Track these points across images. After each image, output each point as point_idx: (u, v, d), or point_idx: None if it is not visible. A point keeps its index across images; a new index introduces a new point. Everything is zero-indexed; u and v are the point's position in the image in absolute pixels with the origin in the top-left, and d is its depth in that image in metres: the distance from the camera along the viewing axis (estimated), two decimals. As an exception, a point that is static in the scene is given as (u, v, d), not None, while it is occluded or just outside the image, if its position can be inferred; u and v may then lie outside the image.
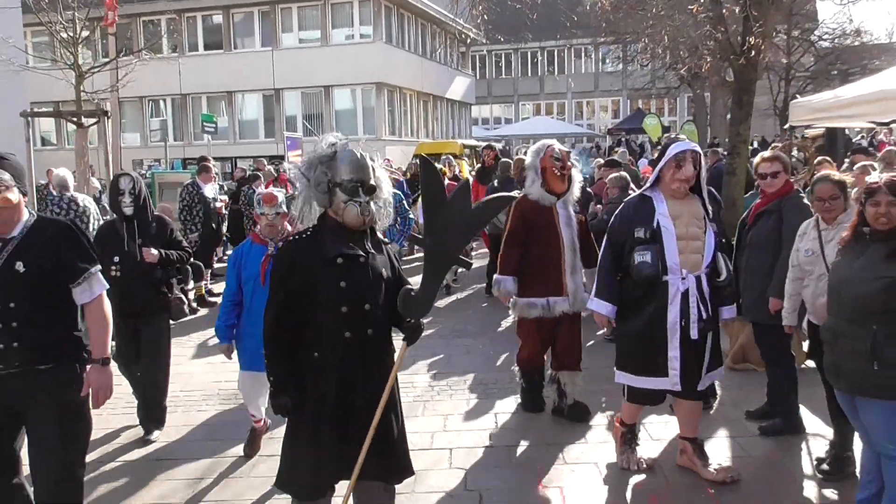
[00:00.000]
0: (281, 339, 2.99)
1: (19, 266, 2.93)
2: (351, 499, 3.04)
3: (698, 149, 4.02)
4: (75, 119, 8.65)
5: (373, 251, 3.06)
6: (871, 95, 5.66)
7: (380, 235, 3.19)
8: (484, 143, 13.44)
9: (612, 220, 4.25)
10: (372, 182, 3.01)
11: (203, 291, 9.31)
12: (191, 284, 8.70)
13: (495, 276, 5.20)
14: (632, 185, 7.46)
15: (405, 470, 3.14)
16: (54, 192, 7.25)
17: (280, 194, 4.54)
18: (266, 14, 25.05)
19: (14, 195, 2.95)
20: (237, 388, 4.90)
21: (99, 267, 3.16)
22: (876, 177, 3.21)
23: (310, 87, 24.91)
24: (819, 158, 7.90)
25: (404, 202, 7.36)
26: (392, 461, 3.06)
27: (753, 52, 8.06)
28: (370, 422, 2.93)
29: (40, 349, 2.99)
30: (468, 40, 21.89)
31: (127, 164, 18.48)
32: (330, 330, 2.95)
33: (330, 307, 2.94)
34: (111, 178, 7.83)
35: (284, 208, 4.40)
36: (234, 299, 4.40)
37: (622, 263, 4.00)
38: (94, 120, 8.57)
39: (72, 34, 10.44)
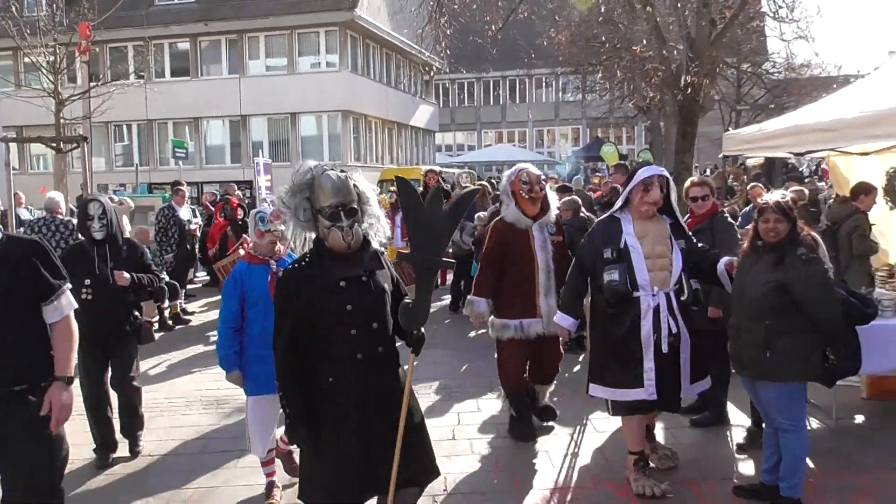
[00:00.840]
0: (293, 370, 2.99)
1: None
2: None
3: (666, 173, 4.25)
4: (55, 144, 8.99)
5: (372, 267, 3.08)
6: (787, 129, 6.40)
7: (376, 247, 3.19)
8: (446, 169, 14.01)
9: (582, 241, 4.47)
10: (353, 205, 3.02)
11: (178, 310, 9.67)
12: (166, 303, 9.08)
13: (469, 296, 5.30)
14: (583, 209, 8.13)
15: (432, 472, 3.19)
16: (45, 214, 7.62)
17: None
18: (233, 42, 25.51)
19: None
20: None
21: (69, 286, 3.14)
22: (766, 197, 3.88)
23: (276, 114, 25.36)
24: (752, 184, 8.71)
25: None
26: (419, 466, 3.10)
27: (690, 91, 8.86)
28: (390, 436, 2.99)
29: (16, 370, 2.93)
30: (432, 70, 22.63)
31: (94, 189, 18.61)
32: (341, 353, 2.97)
33: (339, 331, 2.96)
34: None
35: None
36: (236, 324, 4.20)
37: (593, 282, 4.21)
38: (73, 145, 8.93)
39: (51, 61, 10.80)
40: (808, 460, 4.52)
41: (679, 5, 10.12)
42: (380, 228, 3.15)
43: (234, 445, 5.09)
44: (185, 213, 10.03)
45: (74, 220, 7.62)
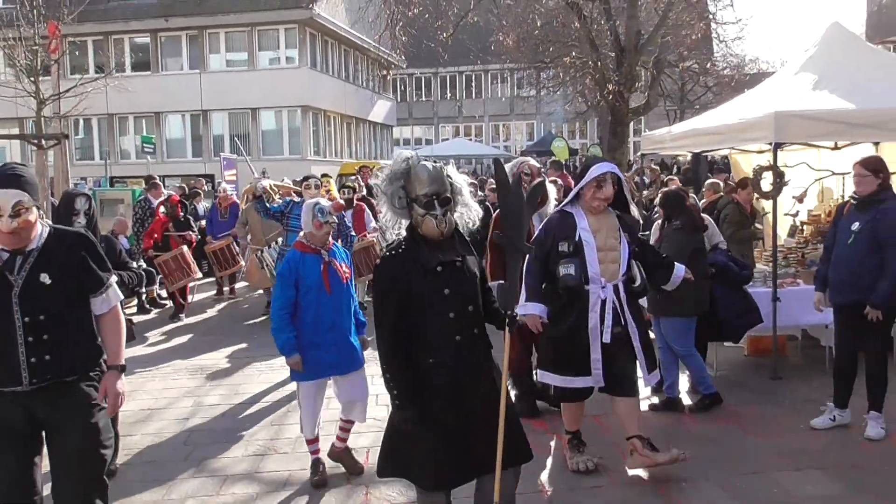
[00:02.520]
0: (400, 353, 3.10)
1: (44, 278, 2.91)
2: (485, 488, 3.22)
3: (617, 170, 4.37)
4: (35, 141, 9.69)
5: (464, 253, 3.22)
6: (686, 132, 7.52)
7: (465, 236, 3.32)
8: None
9: (537, 232, 4.53)
10: (447, 194, 3.13)
11: (154, 295, 10.50)
12: (143, 289, 9.90)
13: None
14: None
15: (527, 453, 3.30)
16: None
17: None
18: (194, 38, 25.95)
19: (33, 215, 2.92)
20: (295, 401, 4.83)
21: (116, 277, 3.23)
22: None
23: (237, 109, 25.93)
24: (668, 178, 9.92)
25: (345, 220, 7.57)
26: (514, 447, 3.20)
27: (612, 97, 10.02)
28: (488, 416, 3.11)
29: (70, 361, 2.97)
30: (390, 68, 23.47)
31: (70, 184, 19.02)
32: (441, 335, 3.10)
33: (438, 314, 3.09)
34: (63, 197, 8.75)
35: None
36: (291, 310, 4.38)
37: (548, 272, 4.28)
38: (53, 142, 9.65)
39: (31, 62, 11.45)
40: (686, 396, 5.70)
41: (609, 17, 11.24)
42: (470, 217, 3.25)
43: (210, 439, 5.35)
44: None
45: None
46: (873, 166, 4.85)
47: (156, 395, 6.40)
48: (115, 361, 3.13)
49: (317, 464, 4.52)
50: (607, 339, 4.15)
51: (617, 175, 4.30)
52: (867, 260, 4.70)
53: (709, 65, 27.63)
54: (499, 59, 28.99)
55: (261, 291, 10.17)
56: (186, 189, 13.68)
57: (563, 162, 12.28)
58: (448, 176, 3.18)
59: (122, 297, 3.26)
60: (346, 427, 4.63)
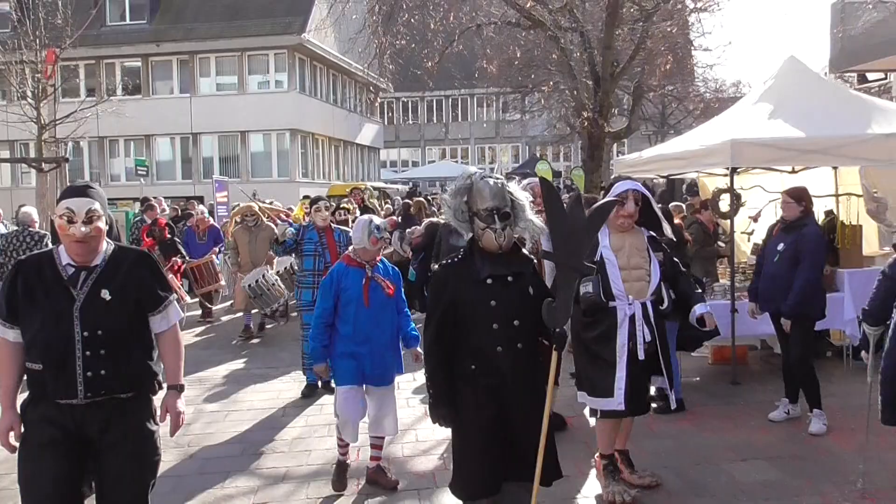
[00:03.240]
0: (440, 355, 3.26)
1: (105, 294, 2.94)
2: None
3: (640, 187, 4.39)
4: (36, 164, 10.11)
5: (520, 270, 3.31)
6: (654, 157, 8.10)
7: (526, 253, 3.45)
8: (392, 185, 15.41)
9: None
10: (507, 209, 3.24)
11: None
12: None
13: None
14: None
15: (557, 471, 3.39)
16: (18, 227, 8.26)
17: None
18: (184, 62, 26.48)
19: (103, 224, 2.98)
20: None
21: (175, 296, 3.25)
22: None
23: (226, 132, 26.43)
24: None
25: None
26: (547, 463, 3.27)
27: (587, 124, 10.62)
28: (527, 428, 3.21)
29: (126, 377, 2.98)
30: (377, 90, 24.10)
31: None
32: (483, 344, 3.22)
33: (483, 324, 3.21)
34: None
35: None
36: (328, 320, 4.49)
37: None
38: (53, 165, 10.07)
39: (34, 89, 11.93)
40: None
41: (587, 48, 11.85)
42: (534, 231, 3.37)
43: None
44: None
45: (41, 232, 8.09)
46: (797, 195, 5.54)
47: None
48: (174, 381, 3.18)
49: (342, 465, 4.62)
50: (642, 355, 4.14)
51: (640, 192, 4.33)
52: (788, 276, 5.39)
53: (690, 89, 28.52)
54: (484, 84, 29.79)
55: (240, 314, 10.03)
56: (179, 211, 14.09)
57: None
58: (509, 192, 3.29)
59: (181, 315, 3.28)
60: (377, 444, 4.68)
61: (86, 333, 2.89)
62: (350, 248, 4.68)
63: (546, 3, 12.25)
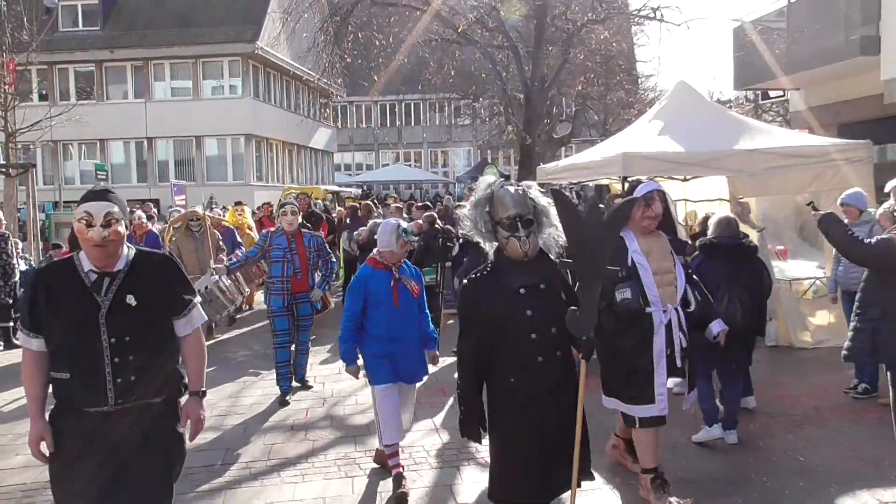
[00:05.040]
0: (475, 372, 3.21)
1: (130, 299, 2.89)
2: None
3: (663, 188, 4.24)
4: (4, 170, 10.78)
5: (549, 275, 3.26)
6: (569, 165, 9.29)
7: (553, 259, 3.36)
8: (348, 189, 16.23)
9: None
10: (529, 216, 3.20)
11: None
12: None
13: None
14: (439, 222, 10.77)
15: (589, 474, 3.42)
16: None
17: None
18: (139, 68, 26.84)
19: (123, 228, 2.92)
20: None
21: (199, 299, 3.19)
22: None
23: (181, 136, 26.87)
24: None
25: (325, 245, 7.36)
26: (580, 466, 3.30)
27: (512, 136, 11.80)
28: (564, 436, 3.20)
29: (155, 382, 2.96)
30: (329, 98, 24.77)
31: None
32: (522, 356, 3.16)
33: (520, 335, 3.14)
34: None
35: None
36: (357, 322, 4.50)
37: (601, 300, 3.95)
38: (20, 171, 10.75)
39: (3, 99, 12.52)
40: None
41: (518, 63, 13.02)
42: (558, 238, 3.31)
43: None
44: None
45: (6, 233, 8.61)
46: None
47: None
48: (196, 386, 3.13)
49: (399, 478, 4.39)
50: (679, 362, 4.03)
51: (663, 192, 4.21)
52: None
53: (632, 98, 30.07)
54: (430, 92, 30.75)
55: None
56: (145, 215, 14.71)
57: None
58: (531, 199, 3.28)
59: (205, 318, 3.26)
60: (394, 451, 4.63)
61: (113, 340, 2.87)
62: (375, 250, 4.68)
63: (483, 23, 13.41)
